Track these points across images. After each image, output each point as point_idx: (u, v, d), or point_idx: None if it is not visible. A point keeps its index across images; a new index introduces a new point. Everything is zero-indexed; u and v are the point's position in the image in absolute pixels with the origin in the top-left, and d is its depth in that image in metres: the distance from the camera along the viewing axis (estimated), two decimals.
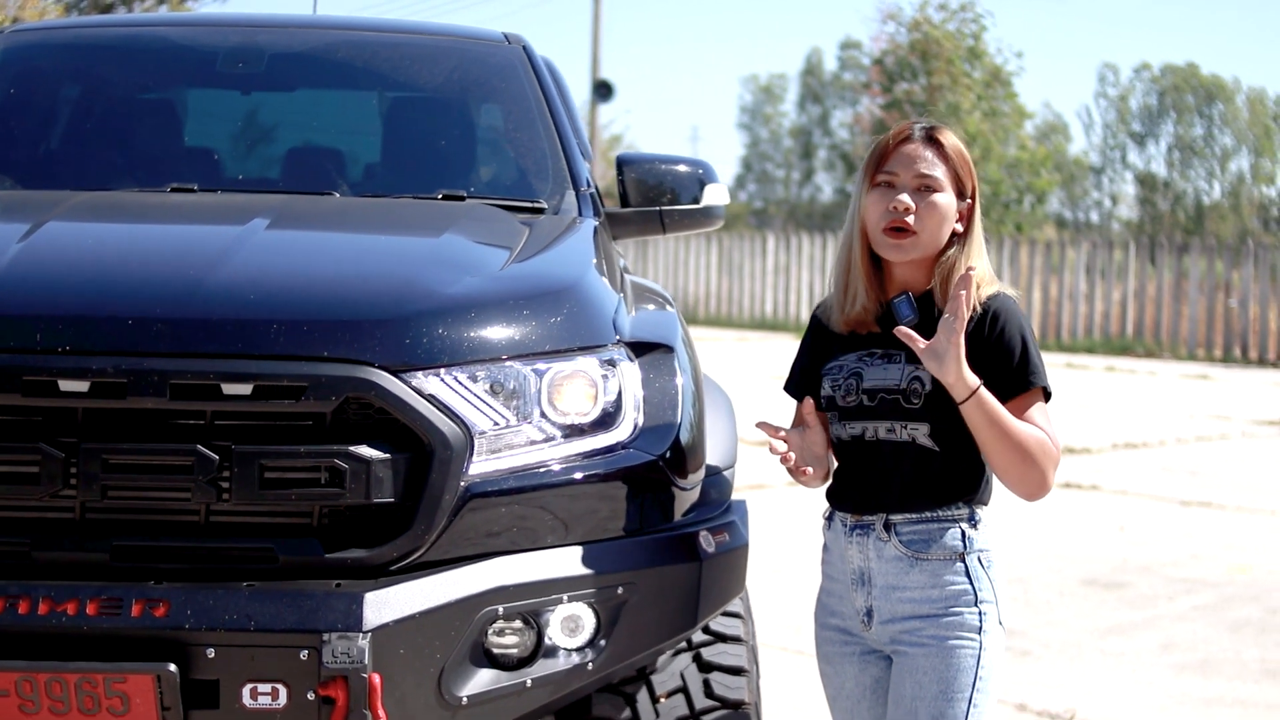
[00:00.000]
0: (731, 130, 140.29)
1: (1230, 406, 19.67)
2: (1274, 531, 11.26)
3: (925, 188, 3.86)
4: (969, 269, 3.77)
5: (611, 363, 3.98)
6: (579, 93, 70.83)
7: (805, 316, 33.97)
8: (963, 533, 3.86)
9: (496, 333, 3.85)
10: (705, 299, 36.59)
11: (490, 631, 3.77)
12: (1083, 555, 10.26)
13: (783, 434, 3.83)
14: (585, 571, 3.82)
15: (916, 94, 37.73)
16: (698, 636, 4.31)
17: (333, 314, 3.77)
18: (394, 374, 3.69)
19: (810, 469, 3.85)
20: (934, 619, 3.82)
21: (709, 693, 4.27)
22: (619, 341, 4.04)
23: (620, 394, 3.98)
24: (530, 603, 3.76)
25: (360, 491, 3.63)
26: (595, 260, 4.46)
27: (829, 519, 4.01)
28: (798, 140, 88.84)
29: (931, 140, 3.90)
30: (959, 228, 3.90)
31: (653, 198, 5.34)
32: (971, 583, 3.84)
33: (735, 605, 4.39)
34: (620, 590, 3.86)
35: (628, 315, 4.24)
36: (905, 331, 3.72)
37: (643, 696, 4.24)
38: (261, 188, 5.18)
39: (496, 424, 3.80)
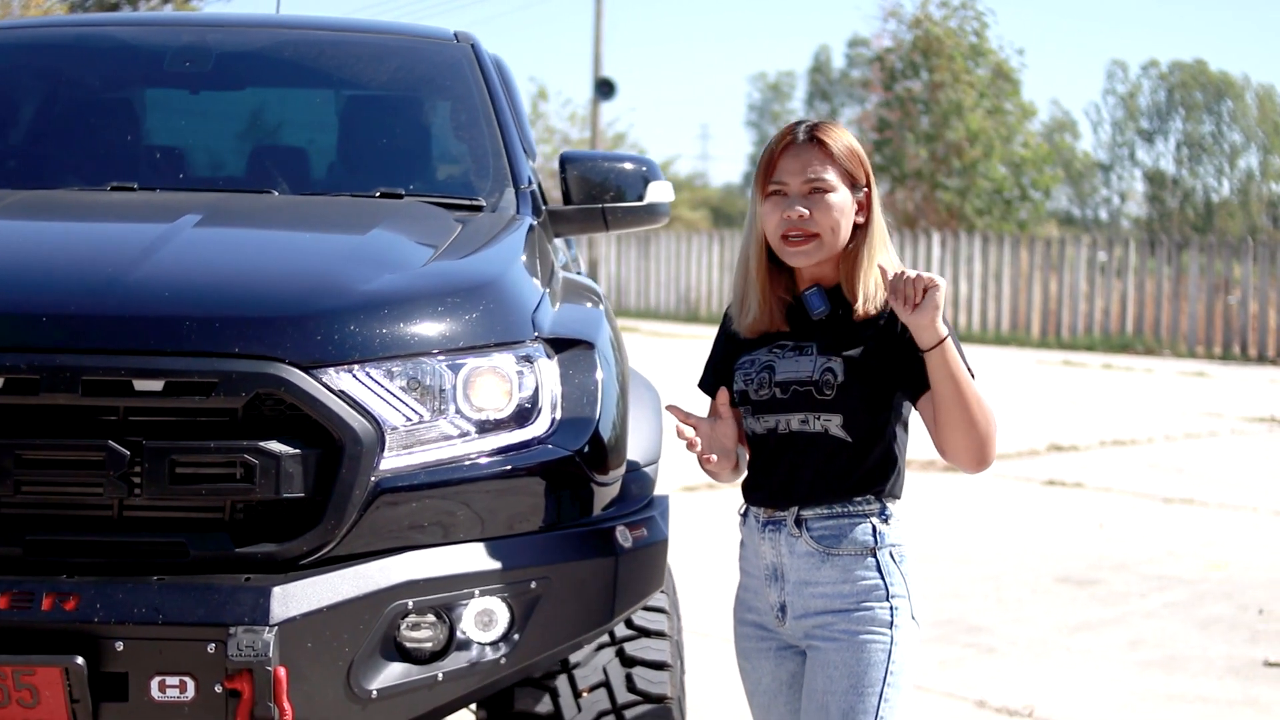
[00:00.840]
0: (740, 128, 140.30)
1: (1223, 404, 19.68)
2: (1254, 529, 11.27)
3: (816, 190, 3.87)
4: (882, 270, 3.78)
5: (528, 359, 4.00)
6: (581, 91, 70.90)
7: None
8: (873, 527, 3.88)
9: (411, 329, 3.88)
10: (708, 296, 36.61)
11: (403, 625, 3.80)
12: (1059, 553, 10.27)
13: (693, 420, 3.85)
14: (497, 566, 3.85)
15: (918, 92, 37.74)
16: (621, 631, 4.34)
17: (244, 310, 3.80)
18: (304, 370, 3.72)
19: (716, 458, 3.86)
20: (845, 614, 3.84)
21: (631, 687, 4.29)
22: (537, 338, 4.06)
23: (537, 390, 4.00)
24: (441, 597, 3.79)
25: (270, 487, 3.66)
26: (525, 257, 4.48)
27: (744, 515, 4.03)
28: None
29: (815, 141, 3.90)
30: (860, 219, 3.92)
31: (595, 195, 5.36)
32: (883, 577, 3.86)
33: (659, 600, 4.42)
34: (533, 584, 3.89)
35: (551, 312, 4.26)
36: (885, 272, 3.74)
37: (565, 690, 4.26)
38: (201, 186, 5.20)
39: (410, 420, 3.83)
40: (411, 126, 5.76)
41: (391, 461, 3.79)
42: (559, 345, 4.13)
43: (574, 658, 4.27)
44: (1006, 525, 11.22)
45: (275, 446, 3.67)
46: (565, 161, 5.42)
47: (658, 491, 4.44)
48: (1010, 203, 37.52)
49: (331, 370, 3.75)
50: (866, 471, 3.87)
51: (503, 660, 3.87)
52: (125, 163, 5.33)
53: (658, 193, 5.44)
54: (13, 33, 6.06)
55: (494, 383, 3.94)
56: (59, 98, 5.66)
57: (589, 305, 4.62)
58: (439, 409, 3.88)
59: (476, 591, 3.82)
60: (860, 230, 3.91)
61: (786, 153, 3.92)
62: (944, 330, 3.72)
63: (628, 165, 5.43)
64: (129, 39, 5.89)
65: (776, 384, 3.89)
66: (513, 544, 3.90)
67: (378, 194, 5.08)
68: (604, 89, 40.10)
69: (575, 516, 4.02)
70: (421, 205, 4.92)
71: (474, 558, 3.83)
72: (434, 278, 4.10)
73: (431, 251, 4.31)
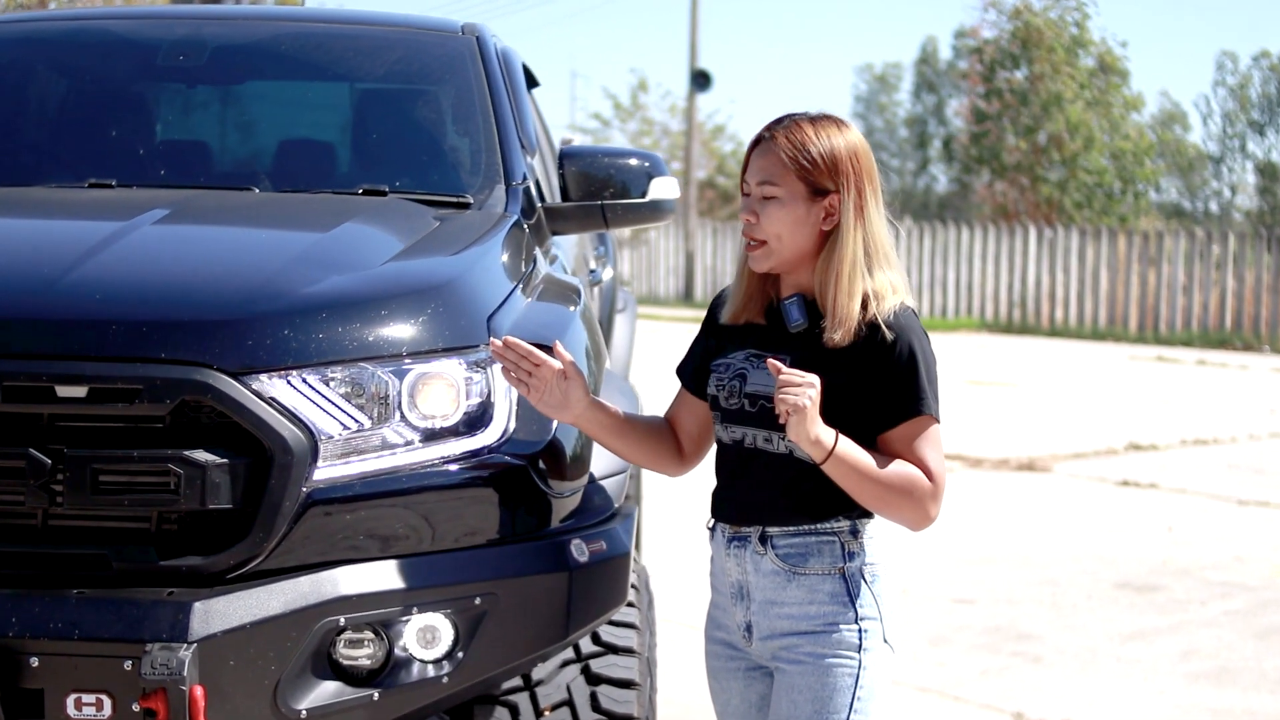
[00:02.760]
0: (846, 119, 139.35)
1: None
2: None
3: (766, 196, 3.66)
4: (767, 363, 3.52)
5: (480, 364, 3.84)
6: (678, 83, 70.63)
7: None
8: (843, 546, 3.67)
9: (353, 333, 3.72)
10: None
11: (341, 643, 3.65)
12: (1123, 556, 10.01)
13: (537, 356, 3.67)
14: (439, 581, 3.68)
15: (1018, 83, 37.27)
16: (587, 647, 4.17)
17: (172, 314, 3.66)
18: (233, 376, 3.57)
19: (533, 391, 3.68)
20: (811, 636, 3.65)
21: (596, 706, 4.12)
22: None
23: (489, 396, 3.83)
24: (377, 613, 3.63)
25: (195, 497, 3.52)
26: (496, 257, 4.32)
27: (711, 529, 3.84)
28: (912, 130, 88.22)
29: (772, 140, 3.69)
30: (827, 227, 3.66)
31: (595, 192, 5.18)
32: (852, 598, 3.66)
33: (629, 615, 4.24)
34: (478, 601, 3.72)
35: (517, 314, 4.09)
36: (773, 364, 3.48)
37: (526, 708, 4.10)
38: (182, 183, 5.06)
39: (348, 428, 3.67)
40: (403, 122, 5.60)
41: (326, 471, 3.63)
42: None
43: (536, 674, 4.10)
44: (1072, 527, 10.95)
45: (201, 456, 3.52)
46: (564, 157, 5.24)
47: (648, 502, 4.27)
48: (1111, 195, 36.97)
49: (264, 376, 3.60)
50: (834, 495, 3.63)
51: (445, 679, 3.71)
52: (105, 160, 5.19)
53: (661, 189, 5.24)
54: (5, 27, 5.95)
55: (441, 389, 3.78)
56: (42, 93, 5.55)
57: (566, 306, 4.45)
58: (381, 416, 3.72)
59: (415, 608, 3.66)
60: (825, 237, 3.67)
61: (754, 151, 3.73)
62: (827, 441, 3.49)
63: (631, 161, 5.25)
64: (123, 33, 5.77)
65: (746, 395, 3.69)
66: (456, 558, 3.74)
67: (360, 191, 4.93)
68: (700, 81, 39.89)
69: (527, 529, 3.85)
70: (401, 203, 4.77)
71: (413, 572, 3.67)
72: (383, 280, 3.94)
73: (393, 252, 4.15)
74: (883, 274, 3.66)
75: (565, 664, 4.13)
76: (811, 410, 3.44)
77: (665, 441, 3.90)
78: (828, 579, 3.66)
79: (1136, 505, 11.87)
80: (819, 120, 3.73)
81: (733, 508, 3.74)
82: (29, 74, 5.60)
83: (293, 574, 3.59)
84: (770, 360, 3.50)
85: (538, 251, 4.79)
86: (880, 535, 3.75)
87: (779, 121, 3.73)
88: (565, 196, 5.22)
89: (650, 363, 13.36)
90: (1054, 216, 35.99)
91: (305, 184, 5.18)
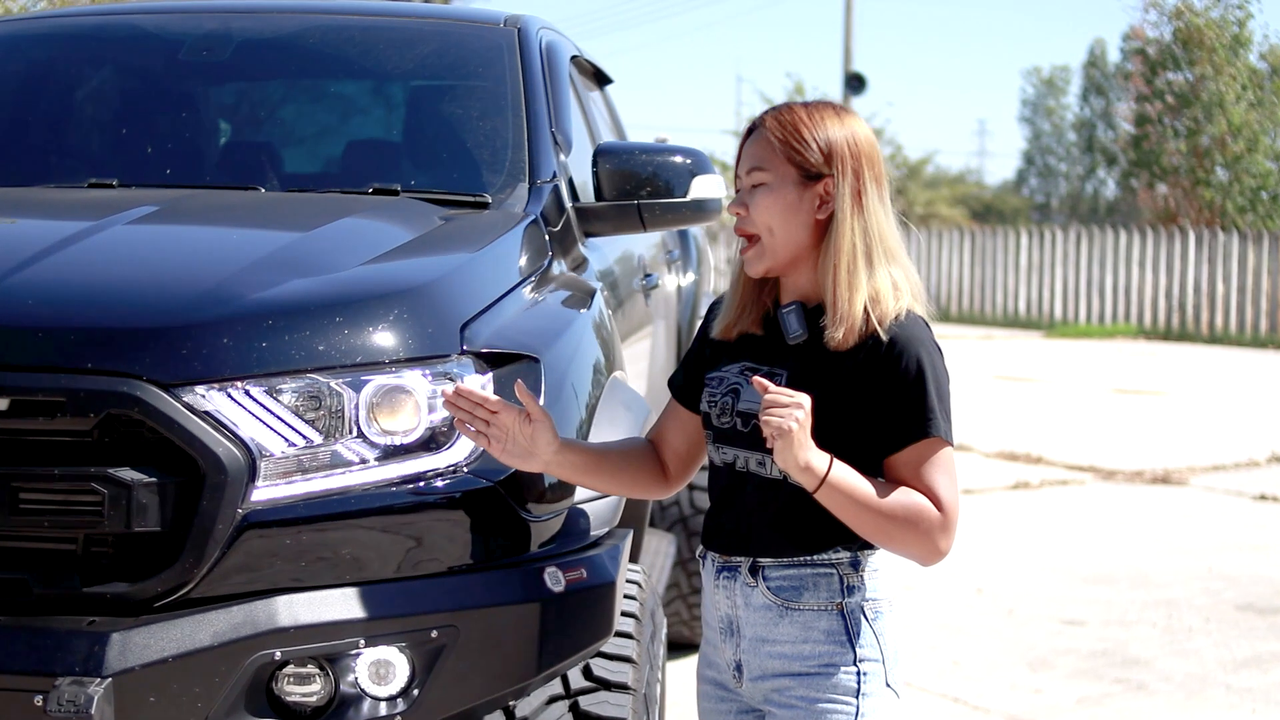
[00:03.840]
0: (1013, 124, 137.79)
1: None
2: None
3: (755, 185, 3.34)
4: (753, 381, 3.17)
5: (449, 376, 3.53)
6: (832, 86, 69.96)
7: (1059, 315, 33.12)
8: (842, 580, 3.32)
9: (304, 341, 3.41)
10: (957, 295, 35.72)
11: (283, 678, 3.35)
12: (1249, 576, 9.51)
13: (494, 403, 3.36)
14: (390, 612, 3.37)
15: (1180, 85, 36.39)
16: (577, 682, 3.83)
17: (101, 321, 3.38)
18: (165, 388, 3.28)
19: (494, 442, 3.38)
20: (805, 678, 3.31)
21: None
22: (466, 352, 3.58)
23: None
24: (320, 646, 3.32)
25: (120, 519, 3.24)
26: (496, 260, 4.03)
27: (703, 557, 3.51)
28: (1080, 134, 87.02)
29: (763, 126, 3.36)
30: (821, 215, 3.32)
31: (632, 191, 4.85)
32: (850, 638, 3.31)
33: (624, 648, 3.90)
34: (434, 634, 3.40)
35: (503, 322, 3.77)
36: (759, 381, 3.14)
37: None
38: (185, 181, 4.81)
39: (295, 444, 3.37)
40: (426, 118, 5.31)
41: (267, 492, 3.33)
42: (498, 360, 3.64)
43: (520, 710, 3.76)
44: (1199, 544, 10.44)
45: (127, 474, 3.24)
46: (599, 154, 4.91)
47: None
48: (1277, 199, 35.94)
49: (200, 388, 3.31)
50: (832, 523, 3.28)
51: (400, 717, 3.40)
52: (109, 159, 4.97)
53: (705, 187, 4.90)
54: (26, 24, 5.74)
55: (402, 403, 3.47)
56: (50, 92, 5.33)
57: (570, 313, 4.14)
58: (334, 432, 3.41)
59: (363, 641, 3.35)
60: (823, 230, 3.33)
61: (745, 143, 3.41)
62: (819, 467, 3.15)
63: (673, 158, 4.89)
64: (148, 28, 5.53)
65: (738, 413, 3.35)
66: (412, 587, 3.42)
67: (370, 190, 4.65)
68: (854, 83, 39.40)
69: (495, 556, 3.53)
70: (408, 202, 4.48)
71: (362, 603, 3.36)
72: (347, 284, 3.63)
73: (375, 254, 3.86)
74: (885, 270, 3.30)
75: (552, 700, 3.79)
76: (799, 434, 3.11)
77: (645, 465, 3.58)
78: (824, 615, 3.32)
79: (1272, 521, 11.32)
80: (815, 105, 3.40)
81: (723, 535, 3.42)
82: (40, 72, 5.39)
83: (227, 603, 3.30)
84: (756, 378, 3.17)
85: (553, 253, 4.47)
86: (886, 568, 3.39)
87: (775, 107, 3.41)
88: (600, 196, 4.90)
89: None
90: (1216, 221, 35.08)
91: (315, 183, 4.92)
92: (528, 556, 3.57)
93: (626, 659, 3.89)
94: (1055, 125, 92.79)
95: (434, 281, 3.72)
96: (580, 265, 4.75)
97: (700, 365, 3.52)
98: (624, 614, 3.96)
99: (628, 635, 3.93)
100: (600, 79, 7.01)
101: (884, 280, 3.29)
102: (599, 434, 3.89)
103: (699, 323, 7.61)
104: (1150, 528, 11.00)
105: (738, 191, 3.39)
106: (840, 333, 3.24)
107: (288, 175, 5.01)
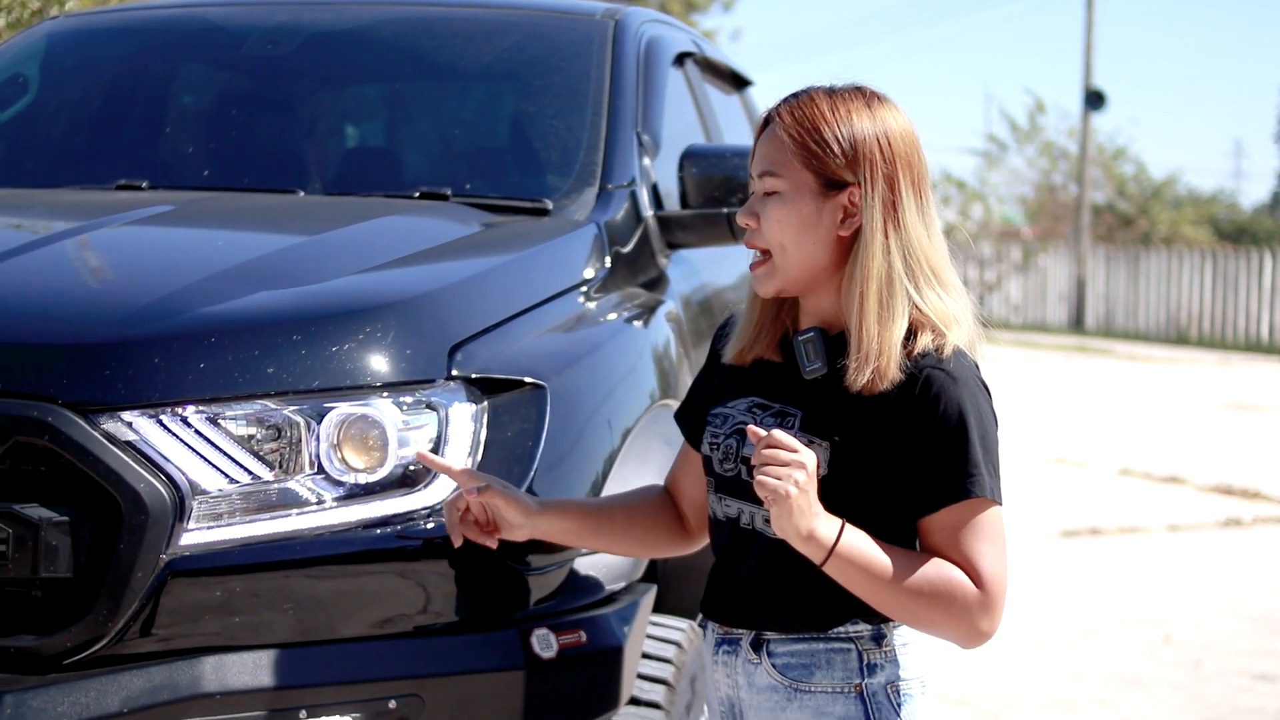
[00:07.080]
0: (1268, 143, 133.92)
1: None
2: None
3: (768, 191, 2.80)
4: (748, 430, 2.66)
5: (430, 404, 3.06)
6: (1071, 102, 68.24)
7: None
8: (861, 657, 2.78)
9: (255, 363, 2.96)
10: (1198, 318, 34.46)
11: None
12: None
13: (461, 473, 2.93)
14: (338, 678, 2.91)
15: None
16: None
17: (15, 336, 2.97)
18: (82, 414, 2.86)
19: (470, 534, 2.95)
20: None
21: None
22: (455, 377, 3.11)
23: (438, 444, 3.05)
24: (251, 715, 2.87)
25: (25, 563, 2.82)
26: (525, 271, 3.58)
27: (703, 626, 2.98)
28: None
29: (778, 119, 2.81)
30: (844, 231, 2.76)
31: (720, 198, 4.35)
32: None
33: (645, 718, 3.37)
34: (393, 704, 2.93)
35: (512, 344, 3.30)
36: (754, 431, 2.63)
37: None
38: (221, 184, 4.41)
39: (236, 480, 2.93)
40: (493, 117, 4.88)
41: (198, 535, 2.88)
42: (497, 386, 3.17)
43: None
44: None
45: (35, 511, 2.82)
46: (685, 157, 4.42)
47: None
48: None
49: (125, 414, 2.88)
50: (850, 595, 2.74)
51: None
52: (141, 160, 4.60)
53: None
54: (100, 18, 5.39)
55: (369, 435, 3.00)
56: (98, 91, 4.97)
57: (617, 331, 3.66)
58: (287, 466, 2.96)
59: (303, 712, 2.89)
60: (848, 246, 2.77)
61: (759, 138, 2.87)
62: (826, 536, 2.62)
63: None
64: (214, 20, 5.14)
65: (744, 459, 2.79)
66: (369, 648, 2.95)
67: (417, 194, 4.21)
68: (1094, 100, 38.29)
69: (475, 614, 3.04)
70: (446, 207, 4.05)
71: (305, 666, 2.89)
72: (319, 298, 3.16)
73: (378, 262, 3.42)
74: (933, 298, 2.75)
75: None
76: (800, 499, 2.58)
77: (660, 520, 3.07)
78: (840, 699, 2.78)
79: None
80: (841, 94, 2.81)
81: (723, 603, 2.89)
82: (84, 72, 5.05)
83: (145, 663, 2.86)
84: (750, 427, 2.65)
85: (613, 265, 3.99)
86: (917, 642, 2.84)
87: (793, 95, 2.86)
88: (685, 204, 4.41)
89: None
90: None
91: (361, 186, 4.48)
92: (517, 616, 3.09)
93: None
94: None
95: (422, 296, 3.26)
96: (656, 281, 4.27)
97: (707, 399, 3.01)
98: (652, 679, 3.44)
99: (654, 705, 3.40)
100: (738, 82, 6.52)
101: (931, 311, 2.75)
102: (621, 475, 3.38)
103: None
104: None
105: (749, 196, 2.87)
106: (865, 376, 2.70)
107: (335, 179, 4.59)
